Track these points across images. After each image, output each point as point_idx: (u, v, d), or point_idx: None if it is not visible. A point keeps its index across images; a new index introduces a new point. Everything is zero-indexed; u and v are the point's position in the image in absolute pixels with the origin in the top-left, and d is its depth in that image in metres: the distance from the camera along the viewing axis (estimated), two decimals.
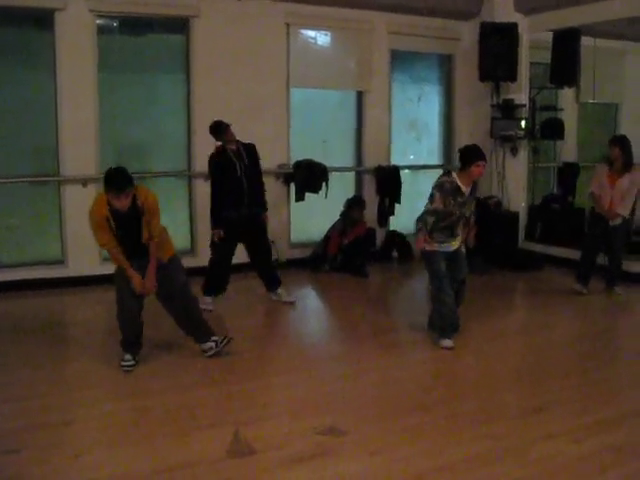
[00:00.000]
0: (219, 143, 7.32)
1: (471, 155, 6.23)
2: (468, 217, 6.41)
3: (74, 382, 5.50)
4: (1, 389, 5.37)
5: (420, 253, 6.54)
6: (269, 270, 7.84)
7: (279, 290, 7.88)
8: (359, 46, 10.10)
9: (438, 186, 6.23)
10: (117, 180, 5.33)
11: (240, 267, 7.95)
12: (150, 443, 4.46)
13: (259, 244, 7.66)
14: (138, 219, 5.55)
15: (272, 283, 7.86)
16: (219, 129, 7.25)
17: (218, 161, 7.31)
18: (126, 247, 5.60)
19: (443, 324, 6.39)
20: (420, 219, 6.30)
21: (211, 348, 5.99)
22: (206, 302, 7.35)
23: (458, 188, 6.19)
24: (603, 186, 8.03)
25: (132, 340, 5.80)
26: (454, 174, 6.25)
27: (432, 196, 6.23)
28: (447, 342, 6.33)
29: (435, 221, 6.22)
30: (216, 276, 7.54)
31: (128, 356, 5.76)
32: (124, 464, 4.19)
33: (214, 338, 6.04)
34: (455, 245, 6.39)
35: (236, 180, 7.27)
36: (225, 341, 6.05)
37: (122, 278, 5.67)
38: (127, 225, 5.52)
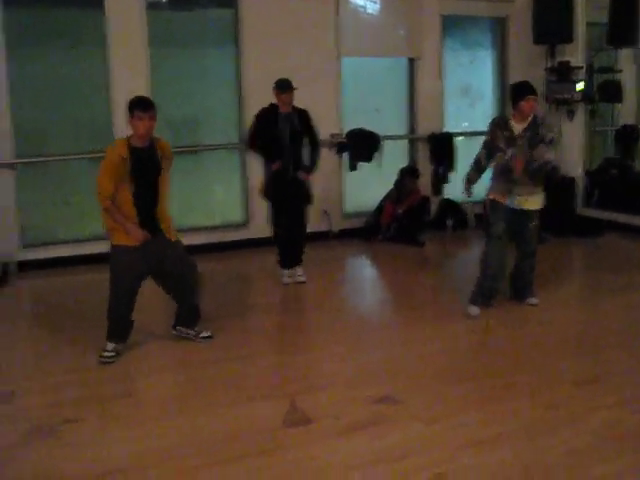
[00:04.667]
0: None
1: (519, 90, 6.13)
2: (530, 164, 6.07)
3: (131, 354, 5.57)
4: (60, 361, 5.49)
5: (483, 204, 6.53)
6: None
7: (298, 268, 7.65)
8: (409, 12, 9.96)
9: (490, 122, 6.34)
10: (143, 100, 5.29)
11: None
12: (207, 413, 4.52)
13: (299, 213, 7.46)
14: (156, 172, 5.34)
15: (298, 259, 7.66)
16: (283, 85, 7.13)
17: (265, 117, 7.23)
18: (139, 211, 5.27)
19: (476, 288, 6.36)
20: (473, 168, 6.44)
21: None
22: (284, 274, 7.49)
23: (506, 122, 6.17)
24: None
25: (122, 325, 5.54)
26: (508, 114, 6.32)
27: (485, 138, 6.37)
28: (473, 309, 6.28)
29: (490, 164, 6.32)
30: (282, 248, 7.50)
31: (112, 345, 5.47)
32: (181, 433, 4.25)
33: (196, 329, 5.82)
34: (519, 202, 6.20)
35: (279, 142, 7.17)
36: (203, 336, 5.82)
37: (121, 257, 5.37)
38: (144, 175, 5.25)
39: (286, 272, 7.49)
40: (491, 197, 6.30)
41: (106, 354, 5.42)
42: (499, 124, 6.22)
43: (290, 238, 7.44)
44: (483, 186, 6.54)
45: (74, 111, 8.57)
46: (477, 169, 6.48)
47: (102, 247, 8.45)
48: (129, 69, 8.43)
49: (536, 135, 6.11)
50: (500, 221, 6.22)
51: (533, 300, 6.50)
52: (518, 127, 6.13)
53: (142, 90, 8.37)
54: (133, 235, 5.25)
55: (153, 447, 4.08)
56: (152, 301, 7.28)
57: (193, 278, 5.68)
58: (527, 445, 4.01)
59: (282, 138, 7.15)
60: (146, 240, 5.29)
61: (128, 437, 4.23)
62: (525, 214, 6.25)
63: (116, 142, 5.37)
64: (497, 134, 6.18)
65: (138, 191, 5.25)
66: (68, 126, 8.58)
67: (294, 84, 7.12)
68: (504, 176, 6.17)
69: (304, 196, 7.39)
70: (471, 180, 6.51)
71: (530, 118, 6.12)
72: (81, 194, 8.67)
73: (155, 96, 8.46)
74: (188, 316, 5.82)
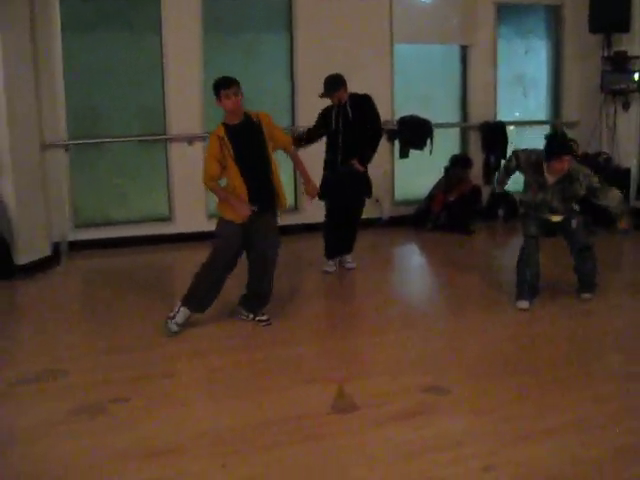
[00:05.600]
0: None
1: (553, 148, 5.90)
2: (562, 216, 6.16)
3: (178, 335, 5.61)
4: (109, 340, 5.57)
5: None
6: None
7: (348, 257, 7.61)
8: (463, 0, 9.87)
9: (525, 156, 6.14)
10: (225, 78, 5.42)
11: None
12: (253, 396, 4.54)
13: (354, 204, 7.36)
14: (258, 137, 5.49)
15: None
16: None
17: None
18: (249, 186, 5.45)
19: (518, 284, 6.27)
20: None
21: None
22: (327, 263, 7.44)
23: (540, 166, 5.97)
24: None
25: (205, 294, 5.63)
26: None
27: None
28: (522, 303, 6.19)
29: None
30: (327, 238, 7.43)
31: (184, 313, 5.60)
32: (230, 416, 4.29)
33: (261, 316, 5.84)
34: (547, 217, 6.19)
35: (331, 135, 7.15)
36: (263, 321, 5.83)
37: (224, 231, 5.57)
38: (247, 148, 5.46)
39: (330, 262, 7.43)
40: (522, 211, 6.35)
41: (174, 320, 5.56)
42: (535, 165, 6.01)
43: (340, 226, 7.31)
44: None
45: (128, 95, 8.67)
46: (507, 174, 6.46)
47: (152, 229, 8.64)
48: (183, 54, 8.50)
49: (570, 186, 5.98)
50: (532, 223, 6.19)
51: (586, 295, 6.38)
52: (550, 178, 5.99)
53: (195, 76, 8.49)
54: (238, 210, 5.43)
55: (200, 429, 4.11)
56: None
57: (272, 265, 5.75)
58: (576, 439, 3.95)
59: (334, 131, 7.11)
60: (251, 214, 5.45)
61: (175, 418, 4.26)
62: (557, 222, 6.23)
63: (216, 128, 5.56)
64: (529, 172, 6.09)
65: (244, 166, 5.45)
66: (121, 109, 8.68)
67: (343, 72, 7.05)
68: (530, 209, 6.20)
69: (359, 187, 7.26)
70: (502, 183, 6.60)
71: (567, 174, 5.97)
72: (132, 176, 8.79)
73: (208, 80, 8.57)
74: (254, 300, 5.86)
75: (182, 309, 5.59)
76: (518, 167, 6.21)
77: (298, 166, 5.99)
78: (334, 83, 6.99)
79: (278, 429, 4.09)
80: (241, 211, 5.42)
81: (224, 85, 5.36)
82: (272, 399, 4.50)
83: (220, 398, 4.59)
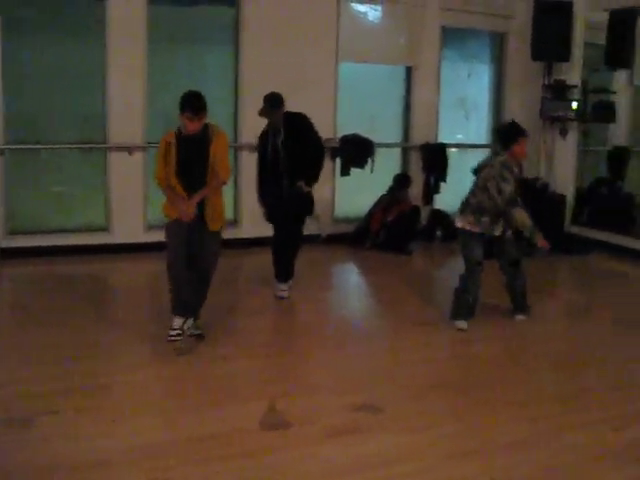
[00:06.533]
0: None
1: (510, 134, 6.03)
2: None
3: (113, 348, 5.55)
4: (44, 351, 5.45)
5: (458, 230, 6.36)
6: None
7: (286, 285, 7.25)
8: (410, 21, 9.97)
9: (506, 168, 6.01)
10: (194, 102, 5.42)
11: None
12: (186, 412, 4.50)
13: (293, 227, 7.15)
14: (204, 152, 5.46)
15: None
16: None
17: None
18: (186, 184, 5.46)
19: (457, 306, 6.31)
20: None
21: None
22: (280, 288, 7.09)
23: (512, 168, 6.04)
24: None
25: (181, 300, 5.53)
26: (505, 157, 6.07)
27: (506, 180, 5.98)
28: (460, 323, 6.23)
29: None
30: (278, 262, 7.16)
31: (177, 320, 5.49)
32: (160, 431, 4.25)
33: (189, 323, 5.60)
34: (488, 231, 6.18)
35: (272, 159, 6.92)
36: (191, 333, 5.62)
37: (171, 231, 5.53)
38: (191, 157, 5.46)
39: (283, 286, 7.11)
40: (467, 228, 6.20)
41: (172, 332, 5.49)
42: (511, 168, 6.04)
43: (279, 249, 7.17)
44: None
45: (68, 101, 8.52)
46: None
47: (89, 239, 8.50)
48: (126, 62, 8.38)
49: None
50: (476, 245, 6.18)
51: (520, 317, 6.47)
52: (516, 169, 6.09)
53: (138, 85, 8.40)
54: (181, 208, 5.43)
55: (130, 443, 4.05)
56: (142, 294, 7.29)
57: (207, 277, 5.70)
58: (505, 460, 4.00)
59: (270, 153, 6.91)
60: (189, 218, 5.43)
61: (105, 432, 4.19)
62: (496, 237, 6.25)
63: (169, 131, 5.62)
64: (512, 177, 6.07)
65: (183, 175, 5.48)
66: (61, 116, 8.53)
67: (286, 93, 6.91)
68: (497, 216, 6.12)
69: (304, 207, 7.14)
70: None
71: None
72: (70, 184, 8.65)
73: (151, 91, 8.54)
74: (191, 307, 5.73)
75: (175, 318, 5.51)
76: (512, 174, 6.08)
77: (206, 187, 5.60)
78: (277, 100, 6.81)
79: (211, 445, 4.06)
80: (183, 207, 5.40)
81: (192, 110, 5.36)
82: (207, 414, 4.46)
83: (153, 412, 4.53)
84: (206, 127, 5.51)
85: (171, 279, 5.53)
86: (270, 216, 7.05)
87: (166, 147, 5.48)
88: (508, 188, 5.98)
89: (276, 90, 6.96)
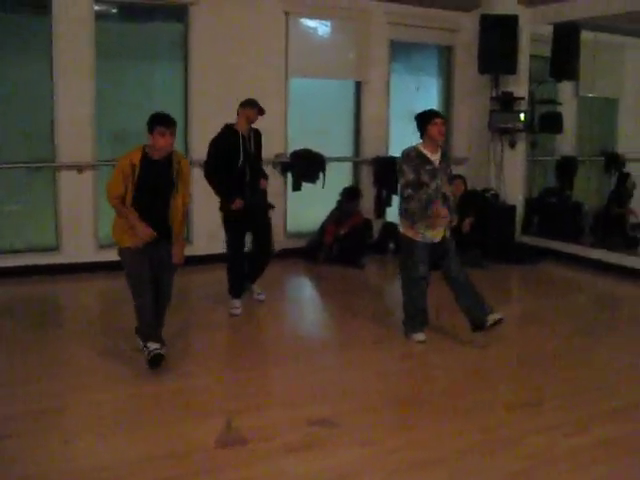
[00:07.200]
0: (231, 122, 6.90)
1: (425, 115, 6.03)
2: (447, 196, 6.15)
3: (66, 369, 5.47)
4: None
5: (399, 238, 6.35)
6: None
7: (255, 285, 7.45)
8: (358, 36, 10.06)
9: (403, 157, 6.05)
10: (165, 116, 5.35)
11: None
12: (141, 431, 4.45)
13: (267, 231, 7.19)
14: (169, 180, 5.39)
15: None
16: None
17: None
18: (143, 208, 5.34)
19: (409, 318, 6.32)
20: (404, 212, 6.13)
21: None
22: (234, 306, 7.00)
23: (423, 155, 6.00)
24: None
25: (152, 325, 5.43)
26: (417, 144, 6.08)
27: (401, 171, 6.04)
28: (418, 336, 6.23)
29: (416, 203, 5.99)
30: (234, 276, 7.05)
31: (153, 345, 5.32)
32: (114, 451, 4.18)
33: (155, 345, 5.39)
34: (432, 236, 6.09)
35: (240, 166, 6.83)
36: (153, 355, 5.34)
37: (132, 258, 5.38)
38: (155, 183, 5.35)
39: (237, 302, 7.03)
40: (410, 235, 6.15)
41: (155, 351, 5.30)
42: (416, 158, 5.99)
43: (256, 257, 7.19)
44: None
45: (15, 119, 8.38)
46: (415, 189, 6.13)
47: (38, 259, 8.37)
48: (74, 79, 8.28)
49: (447, 167, 6.21)
50: (419, 259, 6.11)
51: (478, 331, 6.29)
52: (434, 158, 6.04)
53: (86, 102, 8.32)
54: (139, 231, 5.30)
55: (83, 465, 3.99)
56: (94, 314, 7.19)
57: (166, 297, 5.65)
58: (462, 469, 4.03)
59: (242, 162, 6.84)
60: (151, 238, 5.33)
61: (57, 454, 4.12)
62: (438, 243, 6.15)
63: (134, 148, 5.43)
64: (419, 169, 5.98)
65: (142, 200, 5.34)
66: (7, 133, 8.38)
67: (236, 109, 6.92)
68: (425, 211, 6.03)
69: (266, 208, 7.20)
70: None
71: (440, 149, 6.10)
72: (17, 203, 8.51)
73: (100, 108, 8.47)
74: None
75: (150, 345, 5.33)
76: (416, 171, 5.99)
77: (180, 226, 5.62)
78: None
79: (166, 464, 4.01)
80: (141, 230, 5.29)
81: (164, 124, 5.28)
82: (161, 433, 4.41)
83: (106, 433, 4.46)
84: (171, 153, 5.42)
85: (140, 308, 5.41)
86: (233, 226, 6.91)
87: (131, 168, 5.28)
88: (402, 180, 6.05)
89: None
